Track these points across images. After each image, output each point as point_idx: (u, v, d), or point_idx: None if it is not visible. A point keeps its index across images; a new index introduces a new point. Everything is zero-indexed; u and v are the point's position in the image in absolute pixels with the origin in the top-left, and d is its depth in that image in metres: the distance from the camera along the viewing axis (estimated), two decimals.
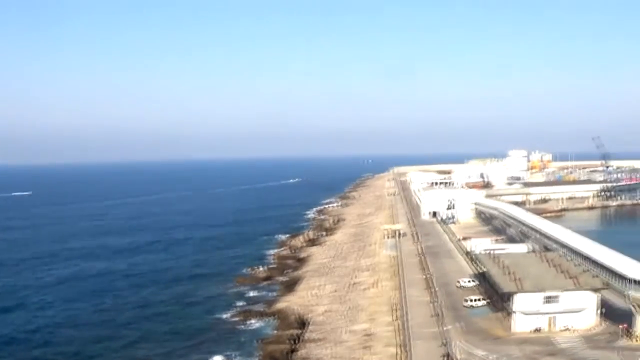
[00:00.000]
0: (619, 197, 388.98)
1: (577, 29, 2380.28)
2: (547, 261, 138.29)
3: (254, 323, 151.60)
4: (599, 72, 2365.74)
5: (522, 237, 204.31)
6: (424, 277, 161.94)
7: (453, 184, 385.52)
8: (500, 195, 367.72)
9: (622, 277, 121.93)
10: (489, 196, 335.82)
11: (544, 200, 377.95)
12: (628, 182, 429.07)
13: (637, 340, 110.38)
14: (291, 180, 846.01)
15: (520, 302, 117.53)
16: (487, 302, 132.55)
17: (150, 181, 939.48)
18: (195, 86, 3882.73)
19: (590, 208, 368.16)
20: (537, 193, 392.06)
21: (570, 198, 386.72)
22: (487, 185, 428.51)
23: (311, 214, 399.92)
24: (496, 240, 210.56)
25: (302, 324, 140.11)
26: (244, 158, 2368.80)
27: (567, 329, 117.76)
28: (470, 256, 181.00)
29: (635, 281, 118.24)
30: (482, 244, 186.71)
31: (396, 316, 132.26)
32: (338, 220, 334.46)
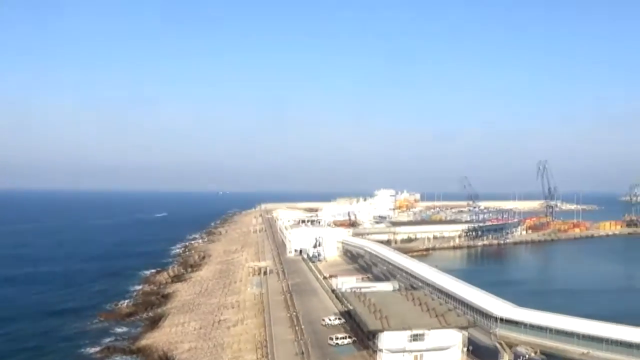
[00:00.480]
0: (485, 237, 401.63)
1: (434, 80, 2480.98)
2: (414, 299, 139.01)
3: None
4: (461, 117, 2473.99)
5: (388, 276, 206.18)
6: (290, 315, 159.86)
7: (320, 222, 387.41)
8: (367, 233, 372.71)
9: (488, 316, 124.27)
10: (355, 235, 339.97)
11: (411, 239, 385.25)
12: (494, 223, 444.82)
13: None
14: (158, 215, 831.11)
15: (386, 340, 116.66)
16: (353, 340, 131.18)
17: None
18: None
19: (457, 247, 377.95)
20: (403, 232, 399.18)
21: (436, 237, 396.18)
22: (354, 224, 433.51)
23: (177, 249, 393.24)
24: (362, 278, 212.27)
25: None
26: (106, 190, 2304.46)
27: None
28: (336, 294, 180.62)
29: (501, 319, 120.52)
30: (348, 282, 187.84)
31: (261, 354, 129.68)
32: (204, 257, 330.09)
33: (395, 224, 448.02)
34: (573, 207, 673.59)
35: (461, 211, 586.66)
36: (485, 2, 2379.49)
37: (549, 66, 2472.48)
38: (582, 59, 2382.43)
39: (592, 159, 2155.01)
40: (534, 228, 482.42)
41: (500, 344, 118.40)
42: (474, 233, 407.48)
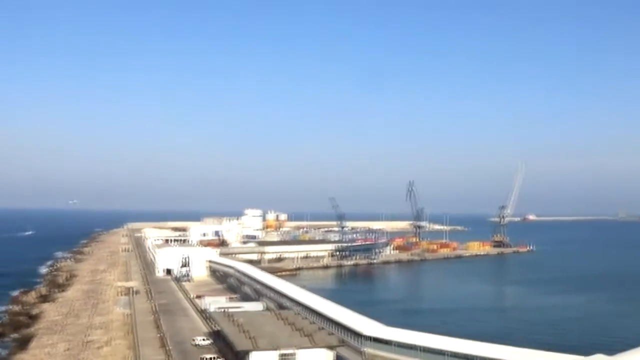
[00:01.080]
0: (353, 257, 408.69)
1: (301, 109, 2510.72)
2: (283, 319, 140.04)
3: None
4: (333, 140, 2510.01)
5: (257, 296, 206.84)
6: (159, 335, 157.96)
7: (188, 242, 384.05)
8: (236, 253, 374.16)
9: (357, 335, 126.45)
10: (223, 254, 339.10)
11: (279, 259, 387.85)
12: (363, 242, 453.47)
13: None
14: (24, 233, 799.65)
15: None
16: None
17: None
18: None
19: (326, 267, 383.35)
20: (272, 252, 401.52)
21: (305, 257, 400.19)
22: (222, 244, 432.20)
23: (44, 268, 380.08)
24: (231, 298, 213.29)
25: None
26: None
27: None
28: (204, 314, 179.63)
29: (370, 338, 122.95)
30: (217, 302, 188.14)
31: None
32: (71, 276, 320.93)
33: (264, 243, 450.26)
34: (441, 227, 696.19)
35: (330, 231, 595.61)
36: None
37: (419, 85, 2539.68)
38: (449, 76, 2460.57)
39: (461, 180, 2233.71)
40: (403, 248, 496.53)
41: None
42: (342, 253, 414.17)
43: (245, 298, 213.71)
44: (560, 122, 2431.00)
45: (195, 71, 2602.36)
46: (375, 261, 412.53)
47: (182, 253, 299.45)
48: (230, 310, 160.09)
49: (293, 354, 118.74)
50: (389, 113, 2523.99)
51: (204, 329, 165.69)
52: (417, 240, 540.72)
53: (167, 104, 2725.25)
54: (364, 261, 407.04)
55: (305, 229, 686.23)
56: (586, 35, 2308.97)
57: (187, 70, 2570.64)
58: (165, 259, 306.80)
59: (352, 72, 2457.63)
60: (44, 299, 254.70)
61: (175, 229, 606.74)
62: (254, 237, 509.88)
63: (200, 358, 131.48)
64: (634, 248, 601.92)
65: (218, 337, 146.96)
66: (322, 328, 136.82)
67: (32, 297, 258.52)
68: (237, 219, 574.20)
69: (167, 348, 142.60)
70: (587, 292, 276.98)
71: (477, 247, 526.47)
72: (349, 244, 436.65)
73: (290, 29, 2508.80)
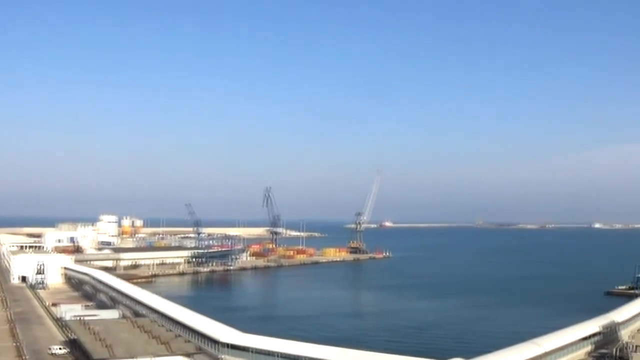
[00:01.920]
0: (210, 263, 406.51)
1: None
2: (139, 327, 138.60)
3: None
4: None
5: (113, 303, 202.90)
6: (15, 344, 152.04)
7: (43, 248, 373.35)
8: (91, 260, 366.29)
9: (214, 342, 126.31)
10: (78, 261, 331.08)
11: (135, 266, 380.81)
12: (219, 249, 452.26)
13: None
14: None
15: None
16: None
17: None
18: None
19: (182, 274, 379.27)
20: (127, 259, 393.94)
21: (161, 264, 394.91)
22: (77, 250, 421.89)
23: None
24: (87, 306, 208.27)
25: None
26: None
27: None
28: (60, 322, 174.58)
29: (227, 345, 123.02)
30: (72, 310, 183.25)
31: None
32: None
33: (120, 250, 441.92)
34: (298, 234, 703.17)
35: (186, 237, 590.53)
36: None
37: (284, 85, 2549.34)
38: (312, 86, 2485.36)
39: (319, 186, 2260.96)
40: (259, 254, 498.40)
41: None
42: (199, 259, 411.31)
43: (101, 306, 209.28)
44: (416, 132, 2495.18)
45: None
46: (231, 268, 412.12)
47: (37, 260, 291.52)
48: (86, 318, 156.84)
49: None
50: (248, 116, 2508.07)
51: (61, 337, 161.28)
52: (274, 246, 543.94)
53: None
54: (221, 268, 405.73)
55: (161, 236, 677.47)
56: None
57: None
58: (21, 266, 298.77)
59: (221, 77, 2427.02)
60: None
61: (30, 235, 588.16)
62: (109, 243, 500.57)
63: None
64: (489, 254, 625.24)
65: (74, 346, 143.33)
66: (179, 336, 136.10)
67: None
68: (93, 225, 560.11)
69: (24, 358, 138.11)
70: (443, 298, 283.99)
71: (333, 254, 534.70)
72: (205, 251, 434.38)
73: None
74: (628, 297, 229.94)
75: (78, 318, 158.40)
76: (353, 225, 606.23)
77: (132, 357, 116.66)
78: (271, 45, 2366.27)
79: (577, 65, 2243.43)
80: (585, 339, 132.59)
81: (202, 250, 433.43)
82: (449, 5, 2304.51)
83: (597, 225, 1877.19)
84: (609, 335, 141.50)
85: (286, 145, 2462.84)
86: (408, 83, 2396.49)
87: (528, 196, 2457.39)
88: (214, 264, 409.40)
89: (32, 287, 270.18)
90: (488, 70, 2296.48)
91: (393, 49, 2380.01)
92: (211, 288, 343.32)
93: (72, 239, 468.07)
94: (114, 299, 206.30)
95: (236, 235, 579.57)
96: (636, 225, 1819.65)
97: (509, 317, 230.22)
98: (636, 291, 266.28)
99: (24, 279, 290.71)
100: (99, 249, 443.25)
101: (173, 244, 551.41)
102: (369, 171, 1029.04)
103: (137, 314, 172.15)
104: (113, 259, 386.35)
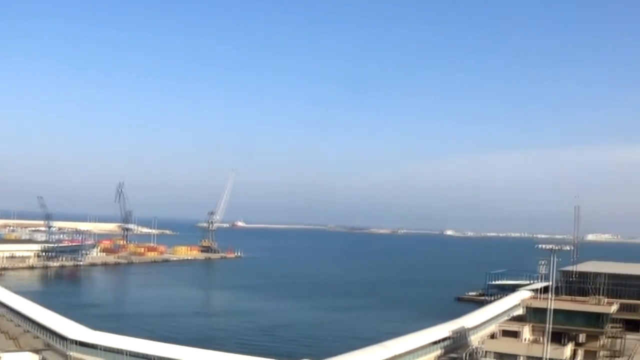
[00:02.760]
0: (60, 258, 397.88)
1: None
2: None
3: None
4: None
5: None
6: None
7: None
8: None
9: (62, 338, 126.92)
10: None
11: None
12: (70, 243, 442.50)
13: None
14: None
15: None
16: None
17: None
18: None
19: (32, 268, 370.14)
20: None
21: (10, 257, 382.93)
22: None
23: None
24: None
25: None
26: None
27: None
28: None
29: (76, 342, 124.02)
30: None
31: None
32: None
33: None
34: (150, 231, 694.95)
35: (37, 230, 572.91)
36: None
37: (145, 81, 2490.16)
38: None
39: (173, 184, 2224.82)
40: (110, 250, 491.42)
41: None
42: (49, 254, 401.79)
43: None
44: (273, 136, 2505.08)
45: None
46: (81, 263, 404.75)
47: None
48: None
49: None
50: (106, 111, 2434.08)
51: None
52: (125, 243, 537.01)
53: None
54: (71, 263, 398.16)
55: (11, 228, 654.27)
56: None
57: None
58: None
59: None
60: None
61: None
62: None
63: None
64: (342, 258, 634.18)
65: None
66: (28, 331, 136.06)
67: None
68: None
69: None
70: (295, 299, 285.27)
71: (184, 252, 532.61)
72: (56, 245, 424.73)
73: None
74: (478, 303, 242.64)
75: None
76: (205, 224, 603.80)
77: None
78: None
79: (425, 81, 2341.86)
80: (435, 343, 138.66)
81: (53, 245, 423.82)
82: None
83: (449, 233, 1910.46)
84: (458, 340, 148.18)
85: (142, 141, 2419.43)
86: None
87: (381, 202, 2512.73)
88: (64, 258, 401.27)
89: None
90: None
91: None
92: (61, 283, 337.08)
93: None
94: None
95: (87, 230, 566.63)
96: (487, 234, 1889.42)
97: (361, 320, 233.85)
98: (486, 297, 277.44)
99: None
100: None
101: (23, 237, 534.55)
102: (225, 170, 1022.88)
103: None
104: None
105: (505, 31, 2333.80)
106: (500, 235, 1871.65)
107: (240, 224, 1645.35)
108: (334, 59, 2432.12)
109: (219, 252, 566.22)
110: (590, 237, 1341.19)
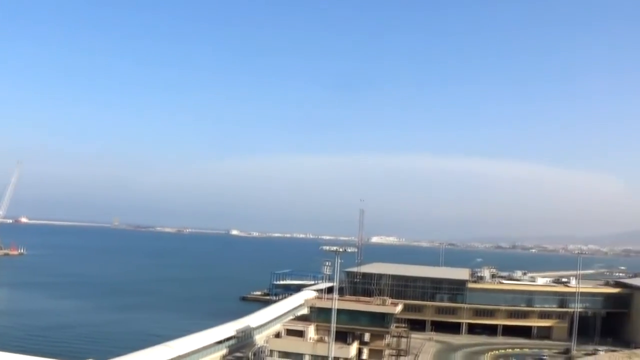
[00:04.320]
0: None
1: None
2: None
3: None
4: None
5: None
6: None
7: None
8: None
9: None
10: None
11: None
12: None
13: None
14: None
15: None
16: None
17: None
18: None
19: None
20: None
21: None
22: None
23: None
24: None
25: None
26: None
27: None
28: None
29: None
30: None
31: None
32: None
33: None
34: None
35: None
36: None
37: None
38: None
39: None
40: None
41: None
42: None
43: None
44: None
45: None
46: None
47: None
48: None
49: None
50: None
51: None
52: None
53: None
54: None
55: None
56: None
57: None
58: None
59: None
60: None
61: None
62: None
63: None
64: (129, 256, 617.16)
65: None
66: None
67: None
68: None
69: None
70: (81, 298, 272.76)
71: None
72: None
73: None
74: (263, 303, 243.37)
75: None
76: None
77: None
78: None
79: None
80: (220, 342, 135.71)
81: None
82: None
83: (234, 232, 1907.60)
84: (244, 339, 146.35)
85: None
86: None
87: (167, 200, 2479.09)
88: None
89: None
90: None
91: None
92: None
93: None
94: None
95: None
96: (273, 234, 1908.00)
97: (147, 319, 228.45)
98: (271, 297, 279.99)
99: None
100: None
101: None
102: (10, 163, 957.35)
103: None
104: None
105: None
106: (286, 235, 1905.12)
107: (24, 219, 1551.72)
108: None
109: (1, 249, 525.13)
110: (375, 239, 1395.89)
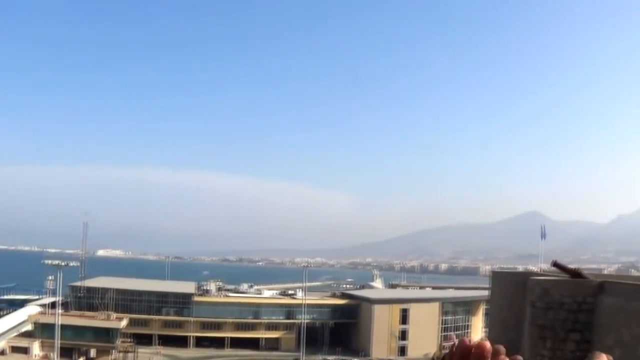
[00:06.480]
0: None
1: None
2: None
3: None
4: None
5: None
6: None
7: None
8: None
9: None
10: None
11: None
12: None
13: None
14: None
15: None
16: None
17: None
18: None
19: None
20: None
21: None
22: None
23: None
24: None
25: None
26: None
27: None
28: None
29: None
30: None
31: None
32: None
33: None
34: None
35: None
36: None
37: None
38: None
39: None
40: None
41: None
42: None
43: None
44: None
45: None
46: None
47: None
48: None
49: None
50: None
51: None
52: None
53: None
54: None
55: None
56: None
57: None
58: None
59: None
60: None
61: None
62: None
63: None
64: None
65: None
66: None
67: None
68: None
69: None
70: None
71: None
72: None
73: None
74: None
75: None
76: None
77: None
78: None
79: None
80: None
81: None
82: None
83: None
84: None
85: None
86: None
87: None
88: None
89: None
90: None
91: None
92: None
93: None
94: None
95: None
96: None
97: None
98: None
99: None
100: None
101: None
102: None
103: None
104: None
105: None
106: (10, 248, 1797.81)
107: None
108: None
109: None
110: (102, 252, 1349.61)
